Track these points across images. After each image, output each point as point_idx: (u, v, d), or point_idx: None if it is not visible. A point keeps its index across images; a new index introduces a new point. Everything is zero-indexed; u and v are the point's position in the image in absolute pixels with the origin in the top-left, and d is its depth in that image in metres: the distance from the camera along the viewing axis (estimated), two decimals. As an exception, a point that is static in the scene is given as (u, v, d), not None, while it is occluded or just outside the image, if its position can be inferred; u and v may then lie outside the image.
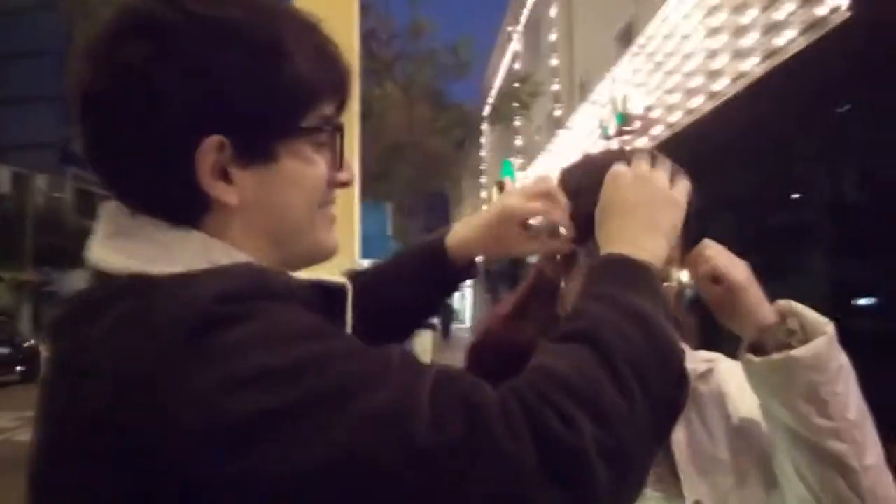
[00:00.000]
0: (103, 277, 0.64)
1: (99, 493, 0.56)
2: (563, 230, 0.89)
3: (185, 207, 0.65)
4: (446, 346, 14.54)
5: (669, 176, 0.80)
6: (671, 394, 0.63)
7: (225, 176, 0.65)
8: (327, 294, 0.69)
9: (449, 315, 23.51)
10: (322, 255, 0.74)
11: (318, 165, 0.69)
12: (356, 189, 1.88)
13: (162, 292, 0.59)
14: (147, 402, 0.55)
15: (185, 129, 0.63)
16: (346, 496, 0.54)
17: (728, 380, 0.96)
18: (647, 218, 0.76)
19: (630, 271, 0.71)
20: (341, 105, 0.71)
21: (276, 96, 0.65)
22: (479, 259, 0.97)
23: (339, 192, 0.75)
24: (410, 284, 0.94)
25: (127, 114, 0.63)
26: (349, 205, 1.86)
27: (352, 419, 0.54)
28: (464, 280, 0.96)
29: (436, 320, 20.63)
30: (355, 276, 0.97)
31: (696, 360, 0.97)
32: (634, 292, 0.67)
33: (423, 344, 13.33)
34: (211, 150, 0.63)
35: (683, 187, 0.81)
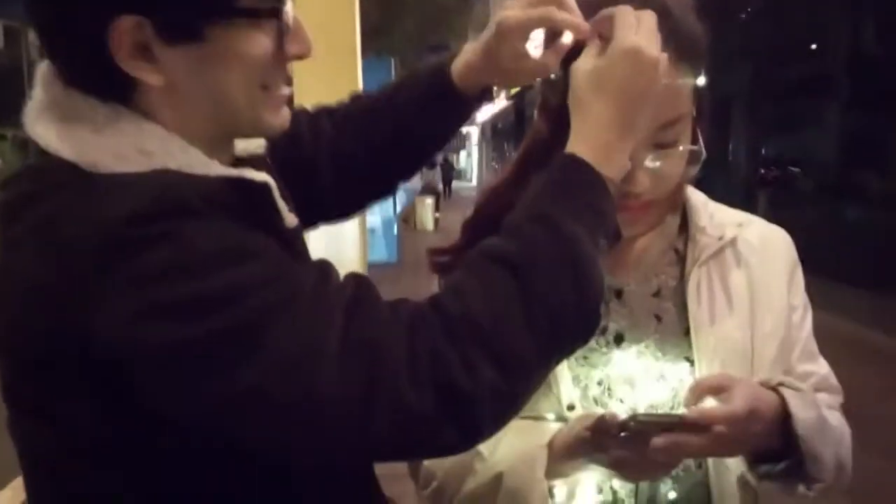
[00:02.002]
0: (40, 154, 0.64)
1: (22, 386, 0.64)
2: (567, 37, 0.77)
3: (110, 86, 0.63)
4: (447, 206, 14.45)
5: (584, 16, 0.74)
6: (576, 344, 0.67)
7: (148, 55, 0.62)
8: (250, 192, 0.64)
9: (449, 171, 23.30)
10: (267, 134, 0.72)
11: (257, 43, 0.65)
12: (357, 44, 1.82)
13: (77, 200, 0.58)
14: (54, 322, 0.57)
15: (98, 6, 0.60)
16: (245, 433, 0.59)
17: (753, 249, 0.94)
18: (627, 112, 0.69)
19: (580, 188, 0.67)
20: None
21: None
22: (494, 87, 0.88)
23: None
24: (419, 114, 0.87)
25: None
26: (351, 60, 1.80)
27: (258, 359, 0.56)
28: (473, 109, 0.88)
29: (440, 185, 20.54)
30: (358, 98, 0.92)
31: (726, 223, 0.94)
32: (576, 218, 0.65)
33: (426, 209, 13.36)
34: (127, 30, 0.60)
35: (648, 22, 0.71)
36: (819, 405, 0.87)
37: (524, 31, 0.78)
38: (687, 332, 0.90)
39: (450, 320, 0.60)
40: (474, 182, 32.11)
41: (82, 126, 0.62)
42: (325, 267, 0.63)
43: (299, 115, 0.87)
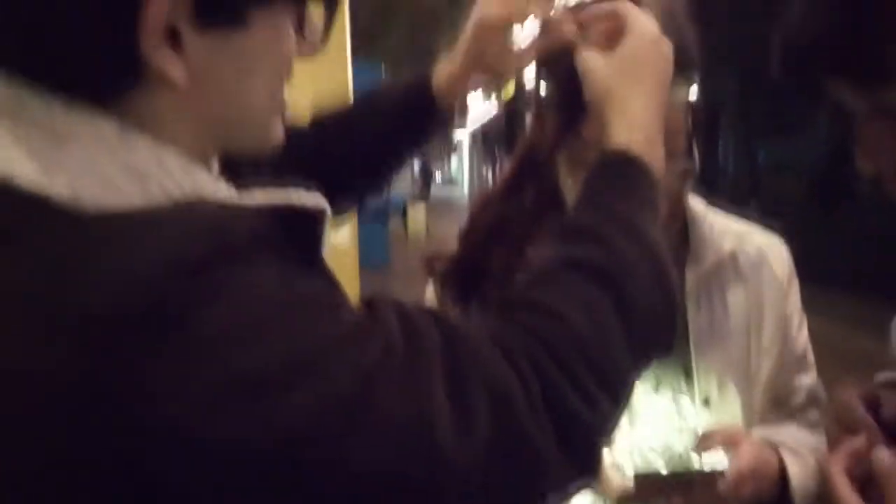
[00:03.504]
0: None
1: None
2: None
3: (109, 78, 0.48)
4: (437, 213, 14.33)
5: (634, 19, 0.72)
6: (662, 356, 0.62)
7: (175, 43, 0.48)
8: (298, 221, 0.51)
9: (427, 177, 23.51)
10: (266, 150, 0.59)
11: (289, 36, 0.55)
12: (347, 47, 1.81)
13: (82, 248, 0.42)
14: (78, 426, 0.41)
15: None
16: None
17: (754, 263, 0.95)
18: (661, 93, 0.67)
19: (637, 180, 0.63)
20: None
21: None
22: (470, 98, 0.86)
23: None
24: (387, 133, 0.83)
25: None
26: (341, 64, 1.79)
27: (365, 435, 0.45)
28: (447, 126, 0.86)
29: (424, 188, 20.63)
30: (320, 118, 0.87)
31: (726, 235, 0.95)
32: (644, 213, 0.61)
33: (418, 216, 13.33)
34: (164, 5, 0.46)
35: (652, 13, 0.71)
36: (816, 469, 0.89)
37: (504, 26, 0.79)
38: (685, 342, 0.90)
39: (555, 349, 0.53)
40: (465, 190, 32.15)
41: (42, 139, 0.46)
42: (401, 308, 0.52)
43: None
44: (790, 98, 6.54)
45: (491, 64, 0.81)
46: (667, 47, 0.68)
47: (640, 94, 0.66)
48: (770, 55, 0.65)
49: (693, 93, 0.82)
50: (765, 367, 0.92)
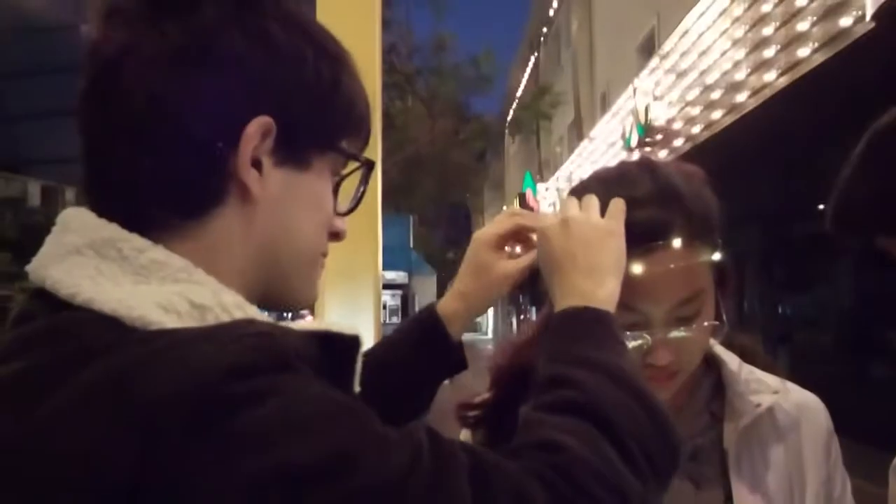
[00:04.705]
0: (55, 309, 0.53)
1: None
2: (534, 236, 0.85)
3: (203, 195, 0.57)
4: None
5: (599, 205, 0.79)
6: (670, 465, 0.64)
7: (257, 168, 0.59)
8: (335, 346, 0.57)
9: None
10: (301, 305, 0.68)
11: (330, 195, 0.65)
12: (378, 203, 1.90)
13: (150, 354, 0.47)
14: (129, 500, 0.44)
15: (243, 99, 0.57)
16: None
17: (790, 420, 0.92)
18: (587, 262, 0.74)
19: (592, 326, 0.69)
20: (364, 146, 0.68)
21: (329, 103, 0.62)
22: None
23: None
24: (407, 366, 0.85)
25: (188, 74, 0.56)
26: (371, 217, 1.87)
27: None
28: (461, 355, 0.88)
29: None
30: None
31: (762, 390, 0.93)
32: (609, 351, 0.66)
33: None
34: (258, 131, 0.57)
35: (616, 208, 0.79)
36: None
37: (497, 241, 0.86)
38: (727, 500, 0.87)
39: (561, 468, 0.55)
40: (490, 335, 31.94)
41: (122, 272, 0.54)
42: (431, 430, 0.55)
43: None
44: (813, 253, 6.58)
45: (493, 280, 0.86)
46: (575, 224, 0.77)
47: (557, 270, 0.75)
48: (821, 217, 0.76)
49: (716, 256, 0.84)
50: None
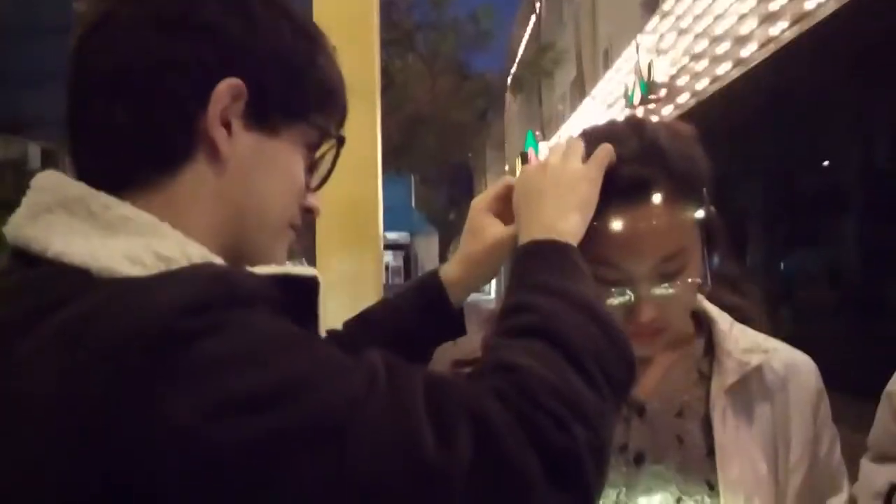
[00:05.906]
0: (29, 265, 0.57)
1: None
2: None
3: (174, 150, 0.61)
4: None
5: (585, 152, 0.80)
6: (626, 379, 0.65)
7: (227, 129, 0.62)
8: (295, 288, 0.60)
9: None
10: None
11: (301, 167, 0.67)
12: (378, 162, 1.87)
13: (110, 298, 0.51)
14: (106, 437, 0.47)
15: (216, 61, 0.61)
16: None
17: (778, 379, 0.93)
18: (554, 200, 0.76)
19: (552, 255, 0.71)
20: (338, 126, 0.71)
21: (303, 77, 0.65)
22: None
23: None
24: (408, 328, 0.86)
25: (163, 36, 0.60)
26: (371, 177, 1.85)
27: (351, 445, 0.50)
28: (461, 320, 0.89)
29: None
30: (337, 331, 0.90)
31: (752, 349, 0.92)
32: (567, 278, 0.68)
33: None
34: (227, 92, 0.61)
35: (599, 154, 0.80)
36: None
37: (494, 204, 0.86)
38: (709, 455, 0.88)
39: (520, 385, 0.56)
40: (492, 295, 32.19)
41: (91, 228, 0.57)
42: (387, 355, 0.57)
43: None
44: (817, 210, 6.56)
45: (492, 241, 0.85)
46: (552, 167, 0.79)
47: (525, 205, 0.78)
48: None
49: (700, 213, 0.84)
50: (792, 486, 0.89)
